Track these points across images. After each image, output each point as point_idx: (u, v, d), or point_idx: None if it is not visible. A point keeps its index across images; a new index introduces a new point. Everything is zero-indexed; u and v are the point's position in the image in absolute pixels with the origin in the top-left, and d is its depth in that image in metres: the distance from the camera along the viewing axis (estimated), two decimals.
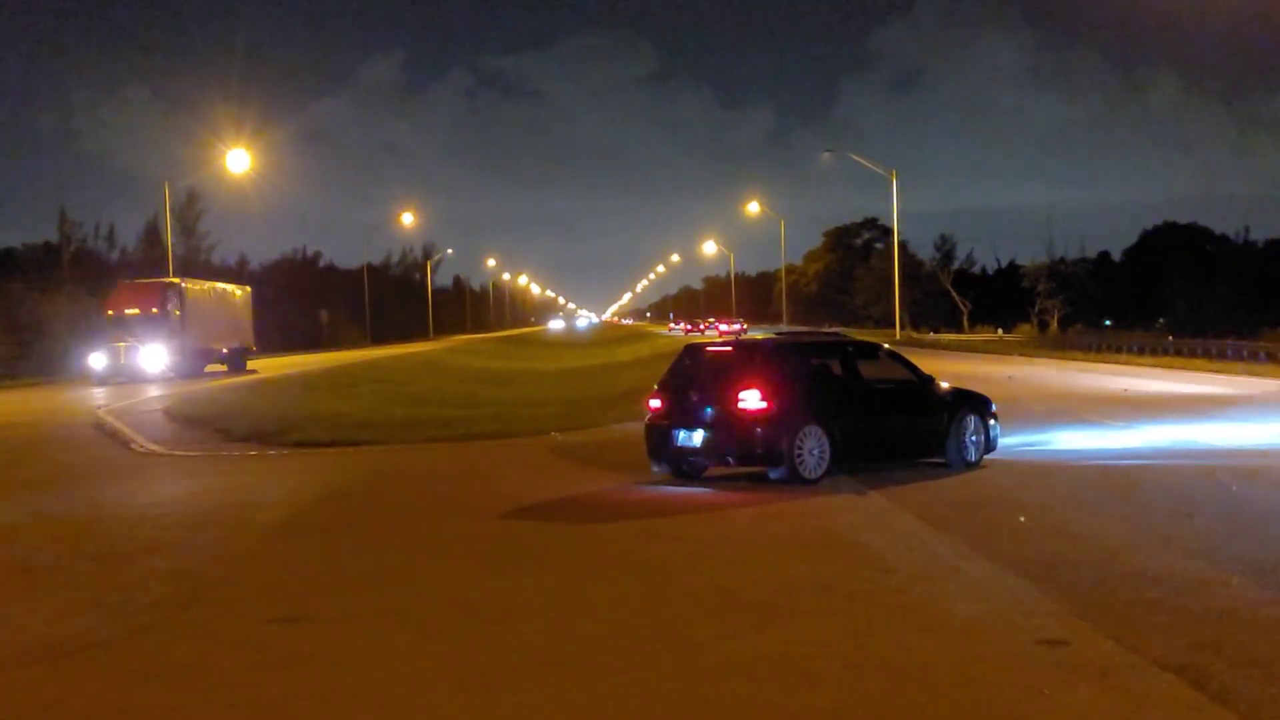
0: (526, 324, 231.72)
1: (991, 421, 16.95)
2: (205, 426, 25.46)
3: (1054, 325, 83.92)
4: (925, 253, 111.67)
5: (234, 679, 7.47)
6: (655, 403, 16.08)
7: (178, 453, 21.38)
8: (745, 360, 15.93)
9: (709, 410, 15.31)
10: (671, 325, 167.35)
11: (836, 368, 16.31)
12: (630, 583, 9.87)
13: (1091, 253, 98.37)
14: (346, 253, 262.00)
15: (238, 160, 64.31)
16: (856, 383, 16.23)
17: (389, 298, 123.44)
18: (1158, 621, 8.13)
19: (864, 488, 14.64)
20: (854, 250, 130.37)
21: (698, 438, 15.32)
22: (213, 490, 16.47)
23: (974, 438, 16.59)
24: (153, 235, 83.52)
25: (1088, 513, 12.58)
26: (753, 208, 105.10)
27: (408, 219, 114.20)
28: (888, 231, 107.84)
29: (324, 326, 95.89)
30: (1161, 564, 9.98)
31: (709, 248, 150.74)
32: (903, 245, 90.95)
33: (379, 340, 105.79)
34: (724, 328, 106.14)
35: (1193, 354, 47.01)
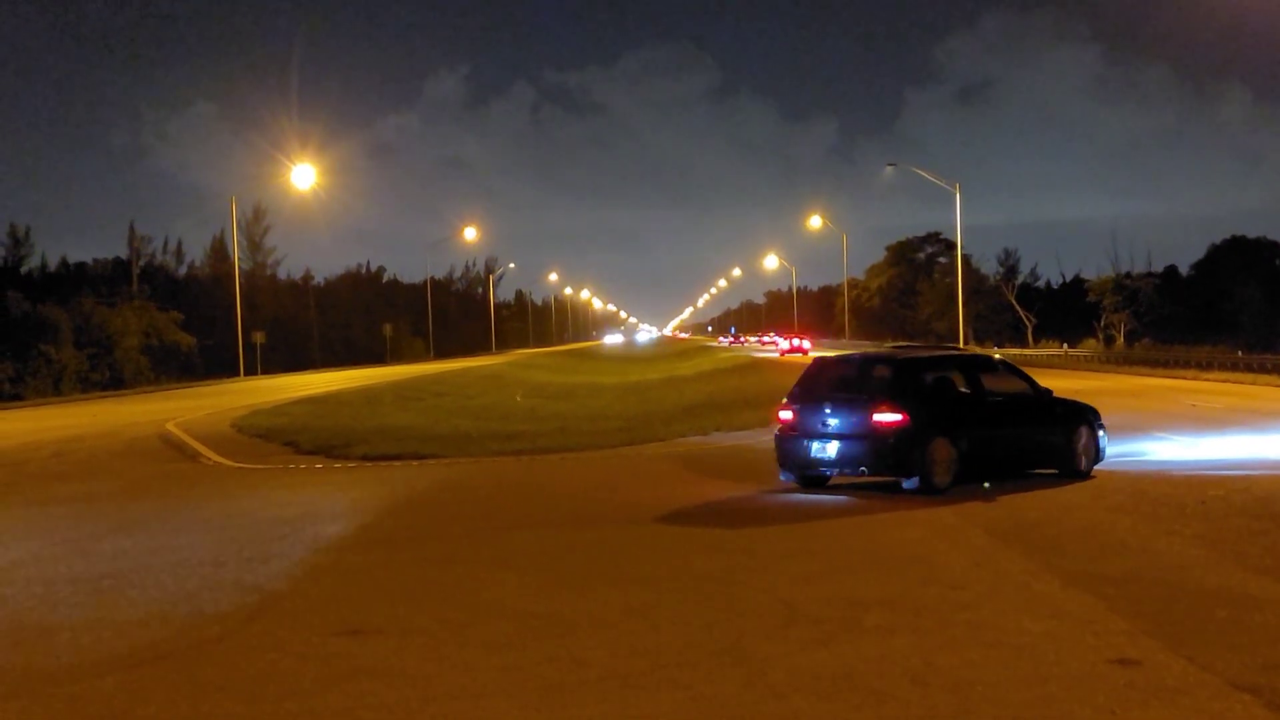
0: (588, 338, 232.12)
1: (1100, 432, 17.42)
2: (273, 440, 25.71)
3: (1120, 340, 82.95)
4: (989, 267, 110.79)
5: (301, 691, 7.51)
6: (786, 414, 16.52)
7: (246, 466, 21.58)
8: (875, 375, 16.51)
9: (844, 423, 15.81)
10: (720, 339, 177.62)
11: (959, 381, 16.70)
12: (696, 596, 9.83)
13: (1158, 267, 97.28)
14: (410, 267, 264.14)
15: (303, 176, 65.05)
16: (979, 395, 16.69)
17: (452, 312, 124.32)
18: (1231, 641, 7.99)
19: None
20: (917, 264, 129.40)
21: (832, 449, 15.77)
22: (279, 503, 16.60)
23: (1086, 448, 17.02)
24: (219, 250, 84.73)
25: (1161, 528, 12.40)
26: (815, 221, 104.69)
27: (470, 233, 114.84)
28: (951, 245, 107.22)
29: (387, 340, 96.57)
30: (1235, 582, 9.83)
31: (770, 262, 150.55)
32: (966, 259, 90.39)
33: (441, 354, 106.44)
34: (783, 344, 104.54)
35: (1263, 369, 46.29)
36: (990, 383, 17.06)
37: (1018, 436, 16.77)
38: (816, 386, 16.70)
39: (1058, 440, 16.82)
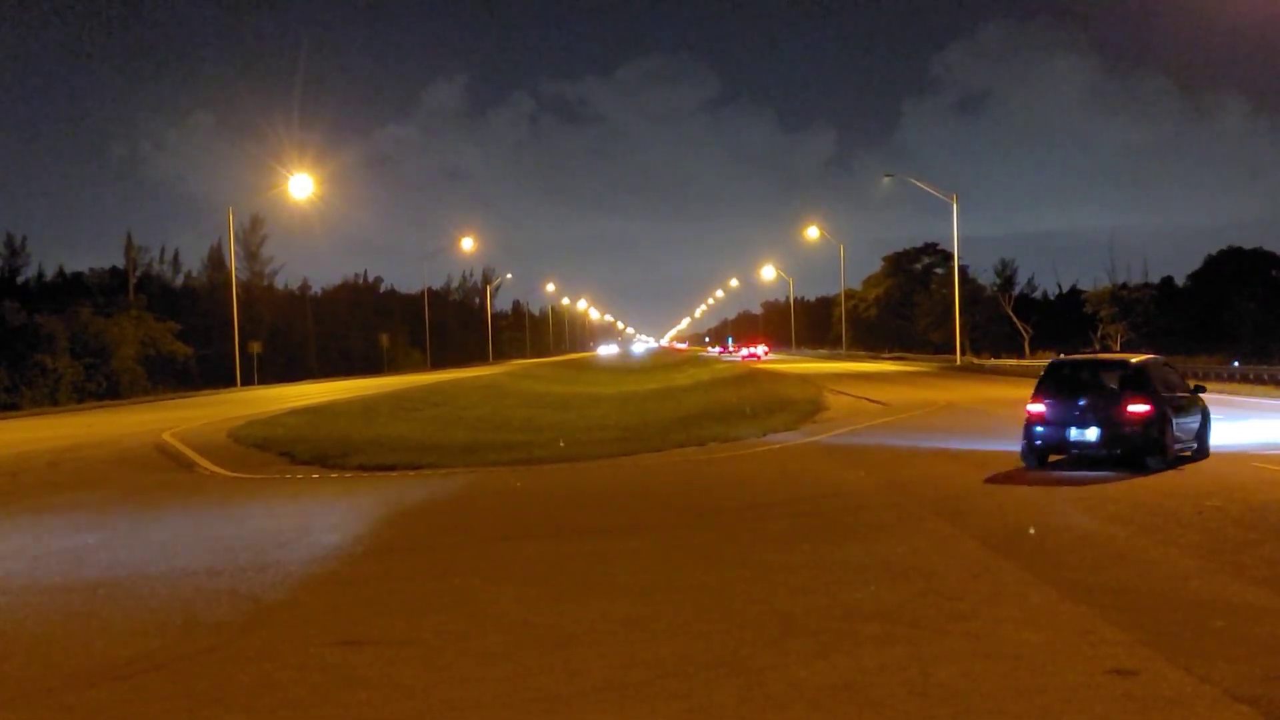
0: (586, 349, 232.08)
1: (1210, 427, 20.80)
2: (269, 450, 25.67)
3: (1116, 351, 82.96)
4: (986, 278, 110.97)
5: (297, 701, 7.50)
6: (1038, 408, 19.35)
7: (242, 476, 21.55)
8: (1118, 374, 19.67)
9: (1100, 414, 18.86)
10: (709, 349, 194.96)
11: (1157, 379, 19.55)
12: (692, 607, 9.82)
13: (1155, 278, 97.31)
14: (407, 277, 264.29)
15: (301, 186, 65.06)
16: (1173, 390, 19.94)
17: (449, 322, 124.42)
18: (1228, 651, 7.99)
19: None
20: (914, 275, 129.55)
21: (1092, 434, 18.79)
22: (275, 513, 16.58)
23: (1202, 433, 20.32)
24: (216, 259, 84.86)
25: (1157, 538, 12.39)
26: (812, 232, 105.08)
27: (468, 244, 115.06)
28: (948, 256, 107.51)
29: (384, 351, 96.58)
30: (1232, 592, 9.83)
31: (768, 272, 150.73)
32: (963, 270, 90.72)
33: (438, 364, 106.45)
34: (748, 350, 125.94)
35: (1259, 380, 46.29)
36: (1169, 379, 20.28)
37: (1187, 425, 19.79)
38: (1061, 386, 19.73)
39: (1199, 429, 20.10)
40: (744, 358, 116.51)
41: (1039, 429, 19.24)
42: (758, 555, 12.26)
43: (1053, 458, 19.63)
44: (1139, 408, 18.60)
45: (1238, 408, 32.29)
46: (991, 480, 17.73)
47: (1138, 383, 19.08)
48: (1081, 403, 19.12)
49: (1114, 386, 19.32)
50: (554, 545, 13.26)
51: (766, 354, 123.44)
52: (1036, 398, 19.50)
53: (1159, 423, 18.50)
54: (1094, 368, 20.55)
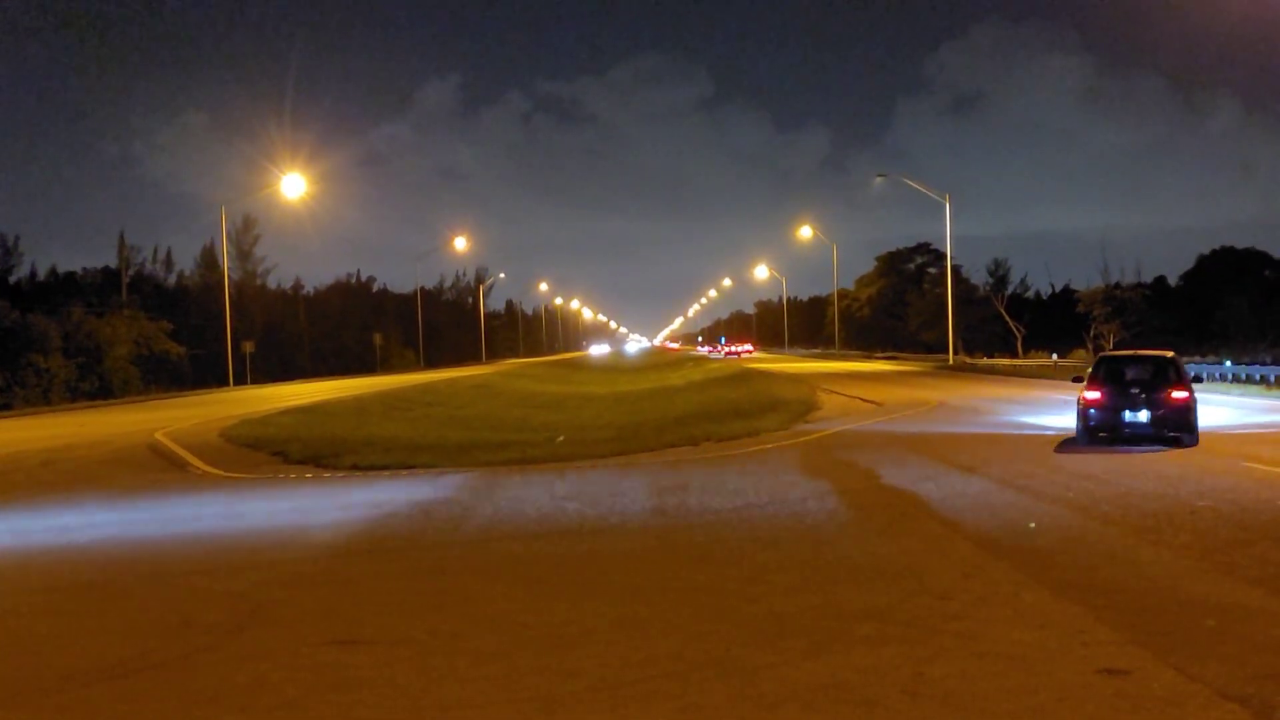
0: (578, 348, 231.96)
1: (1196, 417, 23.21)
2: (262, 450, 25.66)
3: (1109, 350, 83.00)
4: (979, 277, 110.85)
5: (290, 701, 7.51)
6: (1093, 394, 22.86)
7: (235, 475, 21.54)
8: (1157, 366, 23.34)
9: (1149, 400, 22.41)
10: (698, 348, 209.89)
11: (1185, 371, 23.43)
12: (685, 607, 9.84)
13: (1148, 277, 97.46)
14: (401, 277, 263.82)
15: (294, 185, 64.97)
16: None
17: (442, 322, 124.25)
18: (1220, 651, 8.03)
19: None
20: (907, 275, 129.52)
21: (1144, 416, 22.38)
22: (268, 513, 16.58)
23: (1198, 424, 23.01)
24: (209, 259, 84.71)
25: (1149, 538, 12.43)
26: (805, 232, 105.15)
27: (461, 243, 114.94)
28: (941, 256, 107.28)
29: (378, 350, 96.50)
30: (1223, 592, 9.87)
31: (761, 272, 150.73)
32: (956, 270, 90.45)
33: (431, 364, 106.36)
34: (732, 348, 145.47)
35: (1250, 380, 46.35)
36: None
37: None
38: (1111, 375, 23.22)
39: (1192, 416, 22.61)
40: (726, 355, 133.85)
41: (1094, 412, 22.80)
42: (750, 555, 12.29)
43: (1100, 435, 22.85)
44: (1181, 394, 22.36)
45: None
46: (987, 476, 17.76)
47: (1177, 374, 22.91)
48: (1134, 391, 22.64)
49: (1158, 378, 22.84)
50: (547, 545, 13.27)
51: (750, 352, 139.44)
52: (1091, 385, 23.03)
53: (1194, 408, 22.42)
54: (1139, 362, 23.98)
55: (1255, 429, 26.06)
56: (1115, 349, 25.31)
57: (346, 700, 7.48)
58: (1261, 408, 32.84)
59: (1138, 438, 22.60)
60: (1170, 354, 23.92)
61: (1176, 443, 22.10)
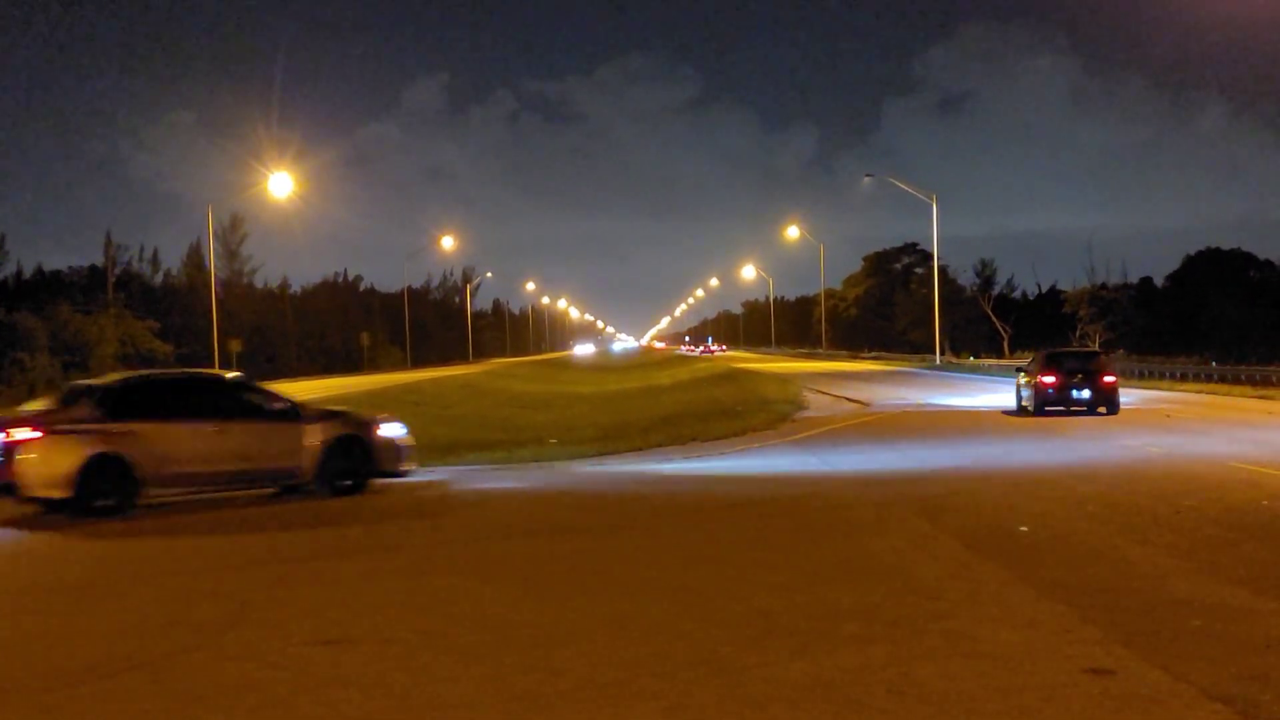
0: (564, 348, 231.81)
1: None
2: None
3: (1055, 349, 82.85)
4: (966, 278, 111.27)
5: (277, 701, 7.49)
6: (1050, 378, 30.87)
7: None
8: (1091, 360, 33.20)
9: (1091, 381, 30.83)
10: (683, 347, 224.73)
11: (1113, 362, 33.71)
12: (672, 607, 9.84)
13: (1134, 278, 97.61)
14: (388, 276, 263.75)
15: (281, 184, 64.75)
16: None
17: (429, 321, 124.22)
18: (1205, 650, 8.05)
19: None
20: (894, 275, 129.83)
21: (1086, 394, 30.70)
22: (259, 512, 16.54)
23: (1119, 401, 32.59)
24: (196, 258, 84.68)
25: (1135, 537, 12.47)
26: (792, 232, 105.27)
27: (448, 242, 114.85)
28: (928, 256, 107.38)
29: (364, 350, 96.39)
30: (1209, 591, 9.90)
31: (748, 272, 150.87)
32: (943, 270, 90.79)
33: (418, 363, 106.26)
34: (713, 348, 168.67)
35: (1236, 380, 46.54)
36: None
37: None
38: (1059, 365, 31.44)
39: (1116, 394, 31.89)
40: (700, 353, 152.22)
41: (1050, 391, 30.84)
42: (738, 553, 12.30)
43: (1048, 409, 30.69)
44: (1110, 378, 31.51)
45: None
46: (970, 477, 17.81)
47: (1108, 364, 33.71)
48: (1080, 376, 30.98)
49: (1094, 367, 31.79)
50: (535, 544, 13.27)
51: (723, 350, 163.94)
52: (1046, 372, 31.11)
53: (1116, 389, 31.39)
54: (1078, 356, 35.11)
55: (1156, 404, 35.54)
56: (1055, 349, 39.54)
57: (333, 699, 7.46)
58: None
59: (1080, 408, 30.85)
60: (1099, 350, 33.90)
61: (1105, 413, 30.29)
